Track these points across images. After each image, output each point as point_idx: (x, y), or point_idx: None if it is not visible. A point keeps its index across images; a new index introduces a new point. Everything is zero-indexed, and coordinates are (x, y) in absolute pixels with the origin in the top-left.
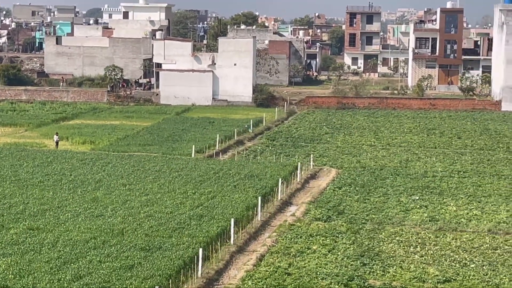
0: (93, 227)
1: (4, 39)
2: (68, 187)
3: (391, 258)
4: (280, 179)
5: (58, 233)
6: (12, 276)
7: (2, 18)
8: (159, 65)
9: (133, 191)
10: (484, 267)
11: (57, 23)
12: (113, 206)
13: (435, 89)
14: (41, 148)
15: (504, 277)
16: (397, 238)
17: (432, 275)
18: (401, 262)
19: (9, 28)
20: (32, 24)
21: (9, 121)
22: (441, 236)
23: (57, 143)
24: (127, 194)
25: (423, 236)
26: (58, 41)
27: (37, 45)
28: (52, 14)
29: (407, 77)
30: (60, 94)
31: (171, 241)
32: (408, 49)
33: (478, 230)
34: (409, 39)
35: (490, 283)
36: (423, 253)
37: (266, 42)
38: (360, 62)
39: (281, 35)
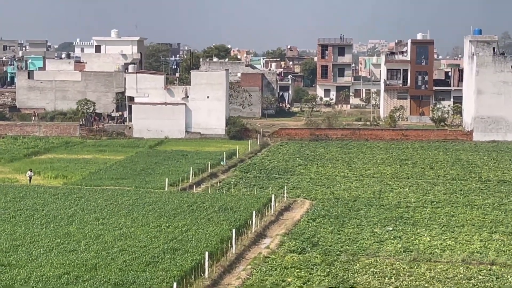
0: (66, 262)
1: None
2: (41, 222)
3: None
4: (254, 212)
5: (31, 268)
6: None
7: None
8: (131, 99)
9: (106, 226)
10: None
11: (29, 57)
12: (86, 241)
13: (407, 120)
14: (13, 183)
15: None
16: (372, 269)
17: None
18: None
19: None
20: (4, 58)
21: None
22: (415, 267)
23: (30, 178)
24: (100, 229)
25: (398, 267)
26: (30, 75)
27: (8, 79)
28: (23, 48)
29: (379, 108)
30: (32, 128)
31: (145, 276)
32: (379, 81)
33: (452, 260)
34: (380, 70)
35: None
36: (398, 284)
37: (239, 74)
38: (333, 93)
39: (254, 67)
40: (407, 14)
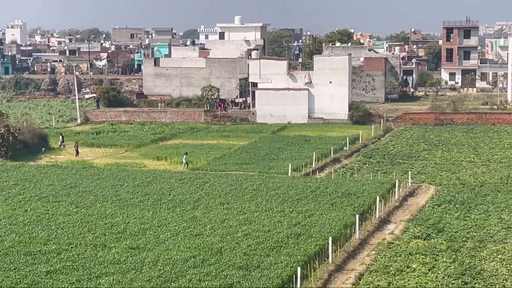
0: (192, 246)
1: (104, 61)
2: (167, 207)
3: (493, 277)
4: (377, 197)
5: (158, 252)
6: None
7: (102, 41)
8: (255, 84)
9: (230, 210)
10: None
11: (155, 45)
12: (211, 225)
13: None
14: (140, 168)
15: None
16: (499, 256)
17: None
18: (504, 281)
19: (109, 51)
20: (131, 46)
21: (110, 142)
22: None
23: (186, 163)
24: (225, 213)
25: None
26: (156, 62)
27: (135, 67)
28: (150, 36)
29: (506, 91)
30: (158, 115)
31: (269, 260)
32: (507, 63)
33: None
34: (508, 53)
35: None
36: None
37: (362, 59)
38: (458, 77)
39: (377, 52)
40: None
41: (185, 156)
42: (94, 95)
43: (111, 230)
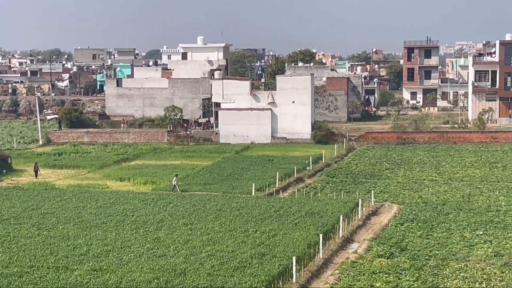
0: (156, 267)
1: (66, 82)
2: (131, 228)
3: None
4: (341, 216)
5: (122, 273)
6: None
7: (64, 62)
8: (218, 104)
9: (194, 231)
10: None
11: (117, 65)
12: (175, 246)
13: (496, 122)
14: (103, 189)
15: None
16: (462, 274)
17: None
18: None
19: (71, 72)
20: (93, 67)
21: (72, 163)
22: (506, 272)
23: (175, 186)
24: (188, 234)
25: (488, 272)
26: (119, 83)
27: (98, 87)
28: (112, 56)
29: (467, 110)
30: (121, 135)
31: (233, 281)
32: (467, 83)
33: None
34: (468, 72)
35: None
36: None
37: (324, 78)
38: (419, 96)
39: (339, 72)
40: (495, 15)
41: (175, 178)
42: (56, 116)
43: (74, 252)
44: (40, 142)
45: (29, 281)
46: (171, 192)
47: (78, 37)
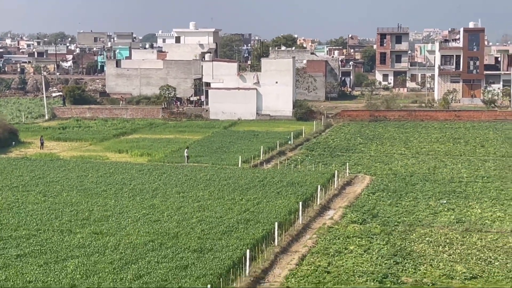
0: (151, 231)
1: (70, 63)
2: (128, 195)
3: (422, 257)
4: (319, 186)
5: (120, 236)
6: (79, 276)
7: (67, 44)
8: (208, 84)
9: (186, 198)
10: (507, 265)
11: (117, 48)
12: (168, 212)
13: (459, 102)
14: (103, 160)
15: None
16: (427, 238)
17: (460, 272)
18: (431, 261)
19: (74, 53)
20: (95, 49)
21: (75, 136)
22: (467, 237)
23: (187, 157)
24: (181, 201)
25: (451, 237)
26: (118, 64)
27: (99, 68)
28: (112, 40)
29: (433, 91)
30: (120, 111)
31: (221, 243)
32: (434, 66)
33: (502, 230)
34: (435, 56)
35: None
36: (451, 252)
37: (304, 61)
38: (390, 78)
39: (318, 55)
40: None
41: (186, 150)
42: (61, 93)
43: (76, 217)
44: (46, 117)
45: (36, 242)
46: (186, 163)
47: (81, 22)
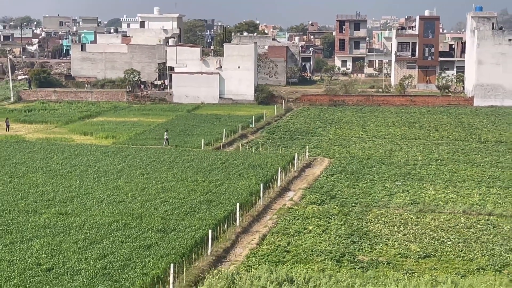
0: (116, 212)
1: (35, 46)
2: (93, 177)
3: (378, 237)
4: (279, 168)
5: (85, 217)
6: (45, 255)
7: (33, 28)
8: (172, 68)
9: (150, 180)
10: (459, 244)
11: (82, 32)
12: (132, 193)
13: (415, 87)
14: (69, 142)
15: (477, 253)
16: (383, 219)
17: (414, 251)
18: (387, 240)
19: (40, 37)
20: (60, 33)
21: (41, 118)
22: (421, 217)
23: (167, 140)
24: (145, 182)
25: (406, 217)
26: (83, 48)
27: (64, 51)
28: (77, 24)
29: (390, 77)
30: (85, 94)
31: (184, 224)
32: (391, 52)
33: (454, 211)
34: (392, 43)
35: (465, 258)
36: (406, 232)
37: (266, 47)
38: (349, 64)
39: (279, 41)
40: None
41: (165, 132)
42: (26, 76)
43: (42, 197)
44: (12, 100)
45: (2, 222)
46: (164, 146)
47: (47, 5)
